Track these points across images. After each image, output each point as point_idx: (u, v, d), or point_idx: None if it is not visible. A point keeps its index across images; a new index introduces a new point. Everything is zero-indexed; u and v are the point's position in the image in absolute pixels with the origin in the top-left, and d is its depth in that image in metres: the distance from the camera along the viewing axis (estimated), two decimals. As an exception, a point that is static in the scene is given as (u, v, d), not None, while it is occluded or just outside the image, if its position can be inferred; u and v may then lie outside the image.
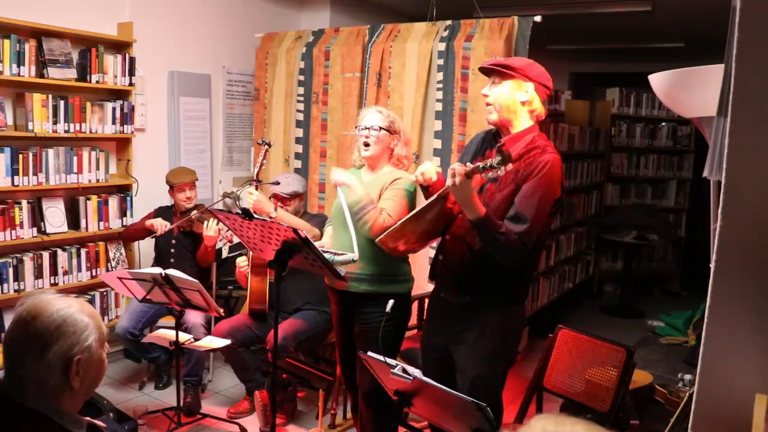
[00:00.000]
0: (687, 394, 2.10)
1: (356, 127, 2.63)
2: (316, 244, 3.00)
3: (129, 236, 3.75)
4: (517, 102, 2.06)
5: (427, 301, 2.91)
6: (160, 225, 3.53)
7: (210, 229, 3.48)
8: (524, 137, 2.07)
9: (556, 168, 1.99)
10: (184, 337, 3.10)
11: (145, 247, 4.00)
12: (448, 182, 1.87)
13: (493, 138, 2.20)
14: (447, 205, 2.09)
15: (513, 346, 2.23)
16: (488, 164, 1.77)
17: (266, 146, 2.98)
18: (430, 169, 2.13)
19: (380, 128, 2.53)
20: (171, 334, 3.04)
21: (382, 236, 2.18)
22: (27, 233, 3.40)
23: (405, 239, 2.17)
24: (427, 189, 2.18)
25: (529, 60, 2.11)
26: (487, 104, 2.11)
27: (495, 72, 2.08)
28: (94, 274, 3.70)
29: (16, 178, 3.29)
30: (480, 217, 1.91)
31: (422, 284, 3.27)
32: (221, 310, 2.99)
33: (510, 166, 1.76)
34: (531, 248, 1.99)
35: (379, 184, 2.53)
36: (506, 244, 1.94)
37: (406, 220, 2.11)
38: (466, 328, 2.13)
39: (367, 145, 2.54)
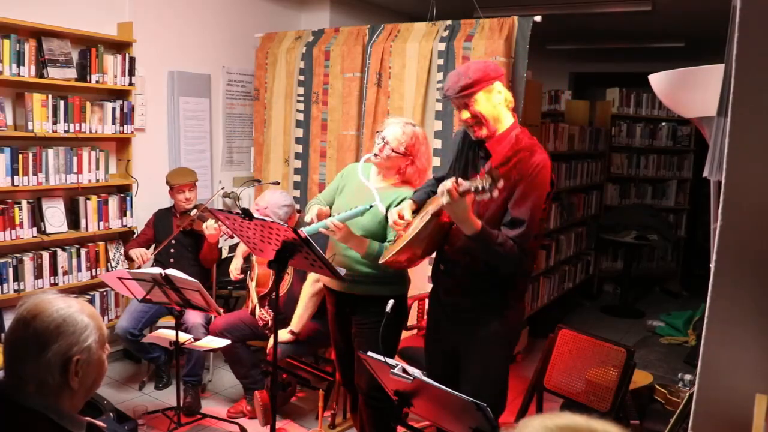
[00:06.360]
0: (687, 394, 2.10)
1: (377, 132, 2.58)
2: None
3: (126, 257, 3.80)
4: (498, 105, 2.06)
5: (426, 301, 2.91)
6: (140, 257, 3.56)
7: (210, 227, 3.48)
8: (508, 137, 2.07)
9: (546, 169, 2.02)
10: (184, 337, 3.10)
11: (145, 247, 4.00)
12: (443, 200, 1.87)
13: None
14: (441, 220, 2.08)
15: (513, 343, 2.27)
16: (480, 187, 1.76)
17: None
18: (403, 209, 2.18)
19: (392, 150, 2.48)
20: (171, 334, 3.05)
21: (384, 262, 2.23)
22: (27, 233, 3.40)
23: (405, 258, 2.18)
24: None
25: (478, 63, 2.08)
26: (471, 125, 2.07)
27: (464, 97, 2.03)
28: (94, 274, 3.70)
29: (16, 178, 3.29)
30: (477, 232, 1.93)
31: (421, 284, 3.27)
32: (221, 311, 2.99)
33: (501, 184, 1.75)
34: (528, 249, 2.01)
35: (388, 197, 2.48)
36: (505, 254, 1.96)
37: (403, 246, 2.11)
38: (467, 330, 2.15)
39: (376, 155, 2.51)
